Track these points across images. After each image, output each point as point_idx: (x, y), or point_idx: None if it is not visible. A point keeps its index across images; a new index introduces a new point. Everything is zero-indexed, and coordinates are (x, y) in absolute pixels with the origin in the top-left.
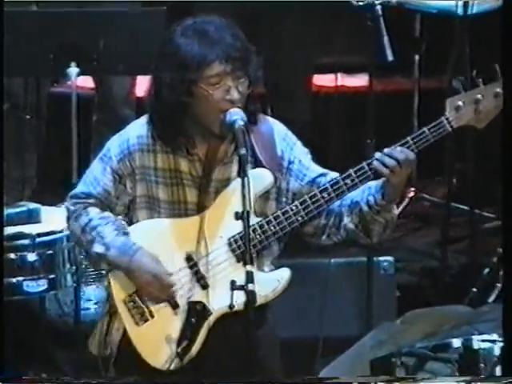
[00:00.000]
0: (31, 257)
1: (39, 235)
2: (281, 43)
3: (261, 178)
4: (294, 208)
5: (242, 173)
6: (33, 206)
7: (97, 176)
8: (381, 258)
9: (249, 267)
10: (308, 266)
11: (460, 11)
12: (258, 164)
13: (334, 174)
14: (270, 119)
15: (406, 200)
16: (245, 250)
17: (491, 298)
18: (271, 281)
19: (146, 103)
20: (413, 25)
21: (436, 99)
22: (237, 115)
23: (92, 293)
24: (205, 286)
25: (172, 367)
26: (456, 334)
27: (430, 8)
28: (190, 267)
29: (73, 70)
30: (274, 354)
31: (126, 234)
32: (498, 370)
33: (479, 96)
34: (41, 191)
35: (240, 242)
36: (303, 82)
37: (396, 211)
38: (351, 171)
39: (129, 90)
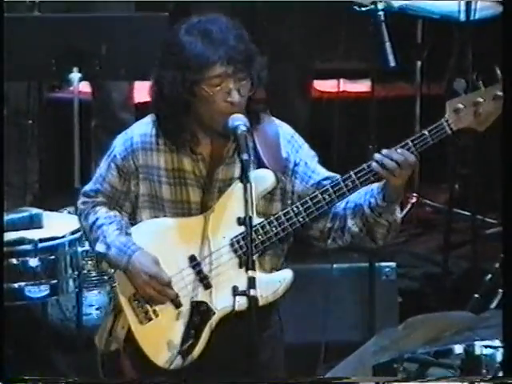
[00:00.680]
0: (33, 262)
1: (41, 240)
2: (282, 49)
3: (263, 179)
4: (295, 209)
5: (244, 179)
6: (35, 211)
7: (103, 173)
8: (383, 264)
9: (251, 273)
10: (310, 272)
11: (462, 17)
12: (261, 165)
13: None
14: (277, 121)
15: (409, 206)
16: (247, 254)
17: (493, 304)
18: (272, 282)
19: (150, 100)
20: (415, 31)
21: (438, 105)
22: (239, 121)
23: (94, 298)
24: (208, 286)
25: (175, 366)
26: (458, 340)
27: (432, 14)
28: (193, 267)
29: (75, 75)
30: (277, 357)
31: (128, 234)
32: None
33: (479, 99)
34: (43, 196)
35: (242, 242)
36: (304, 87)
37: (399, 213)
38: (351, 173)
39: (127, 95)
